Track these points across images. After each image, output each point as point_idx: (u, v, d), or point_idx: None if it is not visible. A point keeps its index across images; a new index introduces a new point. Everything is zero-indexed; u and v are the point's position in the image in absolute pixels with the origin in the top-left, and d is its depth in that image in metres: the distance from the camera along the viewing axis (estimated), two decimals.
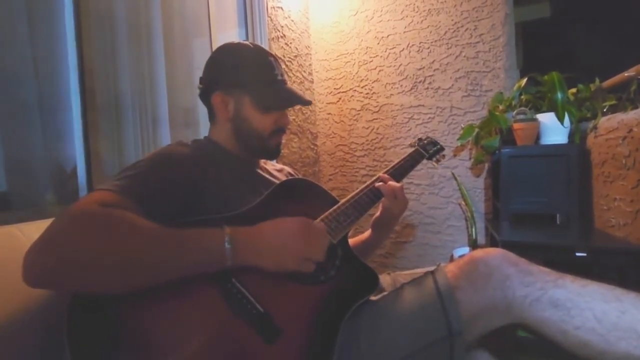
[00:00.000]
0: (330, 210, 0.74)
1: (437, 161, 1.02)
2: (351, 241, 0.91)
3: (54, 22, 0.99)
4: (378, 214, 0.88)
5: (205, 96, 0.81)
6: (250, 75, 0.77)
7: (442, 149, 1.04)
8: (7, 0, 0.90)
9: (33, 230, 0.64)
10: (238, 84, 0.76)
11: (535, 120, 1.46)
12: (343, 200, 0.78)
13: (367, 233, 0.93)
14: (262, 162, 0.89)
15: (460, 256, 1.07)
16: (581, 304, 0.50)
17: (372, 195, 0.82)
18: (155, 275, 0.50)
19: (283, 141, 0.84)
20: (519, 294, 0.53)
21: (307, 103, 0.82)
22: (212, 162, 0.73)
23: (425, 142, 1.03)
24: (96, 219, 0.48)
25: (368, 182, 0.85)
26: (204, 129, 1.45)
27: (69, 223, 0.47)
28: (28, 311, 0.56)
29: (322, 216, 0.73)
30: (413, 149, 0.99)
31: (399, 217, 0.87)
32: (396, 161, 0.93)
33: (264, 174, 0.85)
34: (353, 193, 0.81)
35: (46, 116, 0.97)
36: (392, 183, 0.84)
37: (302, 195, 0.77)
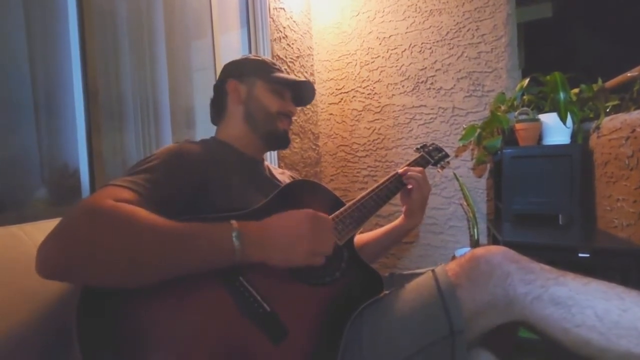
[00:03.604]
0: (337, 212, 0.75)
1: (442, 167, 1.03)
2: (379, 231, 0.95)
3: (57, 23, 0.99)
4: (409, 199, 0.88)
5: (217, 94, 0.87)
6: (261, 65, 0.86)
7: (446, 155, 1.04)
8: (11, 2, 0.91)
9: (35, 230, 0.64)
10: (251, 72, 0.85)
11: (538, 120, 1.46)
12: (349, 203, 0.79)
13: (397, 221, 0.93)
14: (266, 164, 0.91)
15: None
16: (582, 302, 0.50)
17: (387, 190, 0.85)
18: (165, 270, 0.50)
19: (290, 129, 0.89)
20: (520, 292, 0.52)
21: (307, 82, 0.88)
22: (220, 160, 0.74)
23: (430, 148, 1.03)
24: (108, 213, 0.48)
25: (373, 186, 0.85)
26: (205, 130, 1.46)
27: (82, 217, 0.48)
28: (32, 311, 0.56)
29: None
30: (418, 154, 1.00)
31: (427, 197, 0.89)
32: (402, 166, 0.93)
33: (267, 174, 0.87)
34: (359, 196, 0.81)
35: (49, 116, 0.97)
36: (413, 168, 0.89)
37: (308, 197, 0.77)
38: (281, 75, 0.85)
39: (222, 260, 0.54)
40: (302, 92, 0.89)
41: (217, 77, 0.90)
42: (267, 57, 1.72)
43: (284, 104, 0.85)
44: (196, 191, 0.65)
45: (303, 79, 0.87)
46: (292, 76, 0.87)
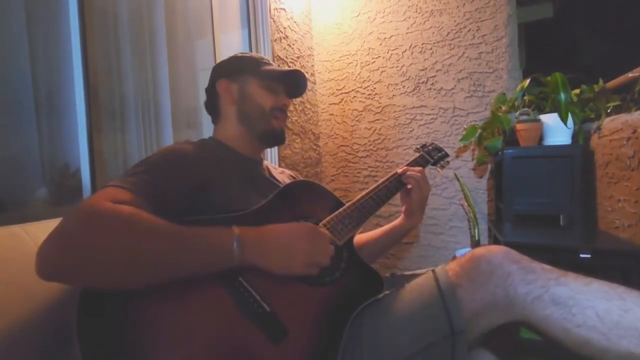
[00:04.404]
0: (336, 212, 0.75)
1: (442, 167, 1.02)
2: (378, 230, 0.94)
3: (58, 24, 1.00)
4: (409, 199, 0.87)
5: (209, 96, 0.86)
6: (249, 62, 0.84)
7: (446, 155, 1.04)
8: (12, 2, 0.91)
9: (37, 230, 0.64)
10: (240, 70, 0.83)
11: (539, 121, 1.45)
12: (349, 204, 0.78)
13: (397, 221, 0.92)
14: (265, 163, 0.90)
15: None
16: (583, 302, 0.50)
17: (387, 190, 0.85)
18: (164, 271, 0.50)
19: (286, 126, 0.86)
20: (521, 292, 0.52)
21: (298, 71, 0.86)
22: (219, 161, 0.74)
23: (430, 147, 1.03)
24: (108, 215, 0.48)
25: (373, 186, 0.85)
26: (206, 130, 1.46)
27: (82, 219, 0.48)
28: (32, 310, 0.56)
29: (328, 218, 0.73)
30: (418, 154, 0.99)
31: (427, 197, 0.89)
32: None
33: (266, 174, 0.86)
34: (359, 196, 0.81)
35: (50, 116, 0.98)
36: (413, 168, 0.88)
37: (308, 197, 0.77)
38: (271, 68, 0.83)
39: (221, 264, 0.54)
40: (294, 83, 0.87)
41: (208, 79, 0.88)
42: (268, 56, 1.73)
43: (277, 99, 0.83)
44: (194, 190, 0.65)
45: (293, 68, 0.85)
46: (282, 68, 0.85)
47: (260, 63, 0.84)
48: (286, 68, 0.86)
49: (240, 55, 0.87)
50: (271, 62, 0.87)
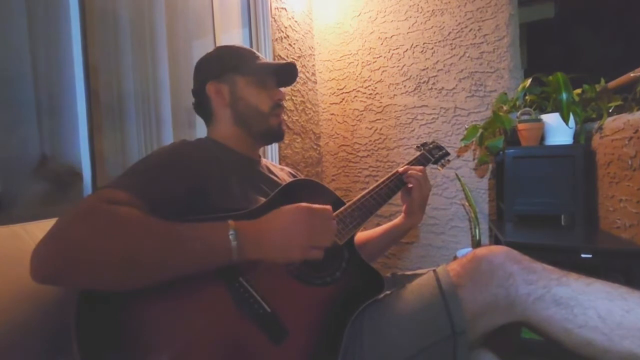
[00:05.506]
0: (337, 212, 0.74)
1: (442, 166, 1.02)
2: (378, 229, 0.94)
3: (59, 23, 1.00)
4: (409, 198, 0.87)
5: (199, 98, 0.83)
6: (236, 59, 0.80)
7: (447, 153, 1.04)
8: (13, 2, 0.91)
9: (37, 229, 0.64)
10: (227, 69, 0.79)
11: (540, 120, 1.45)
12: (350, 203, 0.78)
13: (397, 220, 0.92)
14: (263, 161, 0.90)
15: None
16: (585, 303, 0.49)
17: (388, 189, 0.85)
18: (162, 271, 0.50)
19: (284, 120, 0.85)
20: (522, 292, 0.52)
21: (290, 64, 0.83)
22: (216, 160, 0.73)
23: (431, 146, 1.03)
24: (103, 217, 0.48)
25: (373, 186, 0.85)
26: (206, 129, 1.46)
27: (77, 221, 0.47)
28: (32, 310, 0.56)
29: None
30: (419, 152, 0.99)
31: (427, 196, 0.89)
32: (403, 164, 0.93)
33: (266, 172, 0.86)
34: (359, 196, 0.81)
35: (51, 116, 0.98)
36: (414, 167, 0.88)
37: (309, 196, 0.77)
38: (261, 63, 0.80)
39: (219, 260, 0.53)
40: (285, 74, 0.85)
41: (193, 83, 0.84)
42: (269, 56, 1.72)
43: (271, 95, 0.80)
44: (192, 189, 0.64)
45: (284, 62, 0.82)
46: (274, 62, 0.83)
47: (248, 58, 0.81)
48: (278, 62, 0.84)
49: (225, 51, 0.83)
50: (258, 54, 0.84)
